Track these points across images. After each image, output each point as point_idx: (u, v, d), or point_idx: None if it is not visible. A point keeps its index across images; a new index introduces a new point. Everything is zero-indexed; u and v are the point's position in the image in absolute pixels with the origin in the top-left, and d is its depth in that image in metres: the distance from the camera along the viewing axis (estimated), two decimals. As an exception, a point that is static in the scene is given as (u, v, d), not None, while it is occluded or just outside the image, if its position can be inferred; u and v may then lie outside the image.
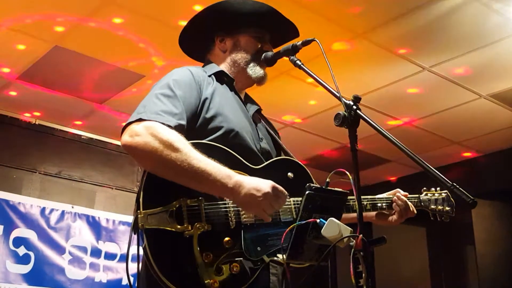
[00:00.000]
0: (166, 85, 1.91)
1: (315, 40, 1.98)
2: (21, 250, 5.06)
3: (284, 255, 1.75)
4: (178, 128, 1.79)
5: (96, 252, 5.45)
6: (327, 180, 1.81)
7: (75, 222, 5.42)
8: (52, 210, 5.32)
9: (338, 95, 1.78)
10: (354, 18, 3.93)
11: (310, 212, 1.74)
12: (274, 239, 1.85)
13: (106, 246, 5.53)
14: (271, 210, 1.77)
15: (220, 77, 2.11)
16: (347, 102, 1.72)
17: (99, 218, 5.56)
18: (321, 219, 1.70)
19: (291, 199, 1.92)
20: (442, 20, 3.92)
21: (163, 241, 1.71)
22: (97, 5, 3.82)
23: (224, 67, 2.16)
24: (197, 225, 1.73)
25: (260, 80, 2.17)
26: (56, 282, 5.12)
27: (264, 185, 1.75)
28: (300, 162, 2.06)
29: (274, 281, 1.93)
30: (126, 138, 1.75)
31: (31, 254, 5.10)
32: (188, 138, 1.81)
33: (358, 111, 1.70)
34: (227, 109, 1.99)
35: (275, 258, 1.83)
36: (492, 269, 6.10)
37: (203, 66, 2.18)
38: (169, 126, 1.76)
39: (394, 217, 2.30)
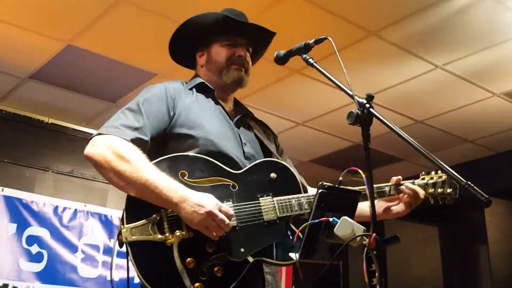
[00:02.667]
0: (135, 101, 2.04)
1: (327, 38, 1.97)
2: (34, 249, 5.08)
3: (296, 254, 1.76)
4: (136, 141, 1.91)
5: (108, 251, 5.47)
6: (340, 179, 1.80)
7: (88, 221, 5.44)
8: (64, 209, 5.35)
9: (351, 93, 1.77)
10: (367, 16, 3.91)
11: (322, 211, 1.74)
12: (258, 239, 1.89)
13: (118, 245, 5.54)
14: (217, 229, 1.80)
15: (201, 89, 2.20)
16: (360, 100, 1.71)
17: (111, 216, 5.58)
18: (334, 218, 1.69)
19: (274, 198, 1.96)
20: (455, 18, 3.90)
21: (147, 251, 1.80)
22: (110, 4, 3.83)
23: (205, 78, 2.24)
24: (177, 233, 1.80)
25: (238, 83, 2.24)
26: (68, 281, 5.14)
27: (208, 203, 1.79)
28: (284, 163, 2.08)
29: (269, 280, 2.00)
30: (86, 148, 1.91)
31: (44, 252, 5.12)
32: (165, 151, 1.96)
33: (371, 109, 1.69)
34: (205, 119, 2.07)
35: (263, 258, 1.88)
36: (506, 269, 6.05)
37: (189, 80, 2.27)
38: (124, 139, 1.89)
39: (402, 207, 2.22)
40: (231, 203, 1.91)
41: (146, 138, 1.95)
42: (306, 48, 2.04)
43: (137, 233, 1.81)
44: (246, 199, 1.94)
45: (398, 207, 2.24)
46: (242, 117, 2.26)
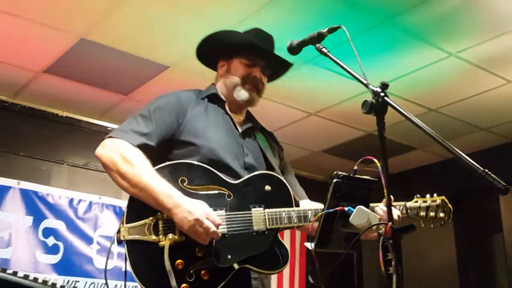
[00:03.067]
0: (148, 107, 2.23)
1: (341, 27, 1.97)
2: (50, 241, 5.14)
3: (312, 243, 1.76)
4: (141, 146, 2.09)
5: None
6: (355, 168, 1.80)
7: (103, 213, 5.49)
8: (80, 201, 5.40)
9: (365, 82, 1.77)
10: (378, 3, 3.88)
11: (337, 200, 1.74)
12: (245, 247, 2.02)
13: (133, 236, 5.59)
14: (205, 236, 1.94)
15: (213, 99, 2.36)
16: (375, 89, 1.71)
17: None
18: (349, 207, 1.70)
19: (266, 210, 2.07)
20: (468, 5, 3.85)
21: (140, 250, 1.97)
22: (121, -3, 3.84)
23: (220, 89, 2.39)
24: (170, 237, 1.95)
25: (248, 102, 2.37)
26: (84, 272, 5.20)
27: (198, 210, 1.94)
28: (280, 177, 2.18)
29: (255, 285, 2.12)
30: (97, 150, 2.11)
31: (60, 244, 5.18)
32: (171, 156, 2.14)
33: (386, 97, 1.68)
34: (209, 129, 2.21)
35: (248, 265, 2.01)
36: (521, 258, 6.01)
37: (205, 88, 2.42)
38: (131, 144, 2.07)
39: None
40: (223, 211, 2.04)
41: (152, 143, 2.13)
42: (319, 37, 2.04)
43: (134, 232, 1.97)
44: (239, 209, 2.07)
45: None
46: (249, 129, 2.38)
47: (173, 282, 1.90)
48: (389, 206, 1.60)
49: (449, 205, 2.29)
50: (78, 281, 5.14)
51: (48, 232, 5.15)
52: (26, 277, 1.20)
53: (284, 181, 2.17)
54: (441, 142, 1.49)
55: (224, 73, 2.39)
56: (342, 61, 1.92)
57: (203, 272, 1.96)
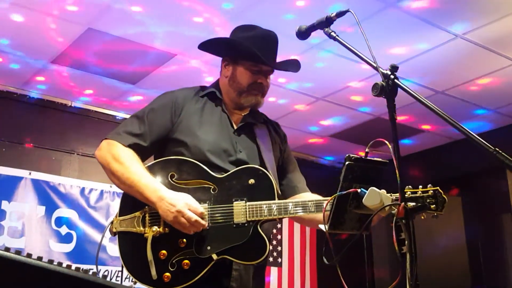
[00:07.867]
0: (143, 109, 2.35)
1: (349, 11, 1.97)
2: (63, 230, 5.21)
3: (326, 225, 1.79)
4: (133, 146, 2.24)
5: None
6: (366, 150, 1.82)
7: (114, 201, 5.54)
8: (91, 190, 5.46)
9: (375, 65, 1.78)
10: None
11: (350, 182, 1.76)
12: (225, 239, 2.12)
13: (144, 223, 5.64)
14: (189, 226, 2.06)
15: (211, 97, 2.44)
16: (385, 71, 1.72)
17: (136, 196, 5.68)
18: (362, 189, 1.72)
19: (247, 203, 2.16)
20: (475, -15, 3.84)
21: (129, 241, 2.14)
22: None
23: (223, 89, 2.45)
24: (153, 229, 2.11)
25: (253, 106, 2.44)
26: (98, 260, 5.26)
27: (179, 202, 2.07)
28: (264, 171, 2.23)
29: (235, 276, 2.20)
30: (96, 151, 2.29)
31: (73, 233, 5.25)
32: (165, 153, 2.28)
33: (396, 80, 1.70)
34: (201, 128, 2.31)
35: (227, 256, 2.10)
36: (530, 237, 6.03)
37: (210, 85, 2.51)
38: (123, 144, 2.23)
39: None
40: (207, 204, 2.16)
41: (145, 143, 2.27)
42: (328, 21, 2.05)
43: (124, 224, 2.15)
44: (222, 202, 2.17)
45: None
46: (245, 126, 2.42)
47: (153, 271, 2.05)
48: (400, 187, 1.62)
49: (444, 196, 2.17)
50: (92, 269, 5.18)
51: (60, 221, 5.22)
52: (68, 267, 1.24)
53: (269, 174, 2.22)
54: (453, 123, 1.51)
55: (230, 75, 2.41)
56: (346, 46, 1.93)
57: (184, 262, 2.09)
